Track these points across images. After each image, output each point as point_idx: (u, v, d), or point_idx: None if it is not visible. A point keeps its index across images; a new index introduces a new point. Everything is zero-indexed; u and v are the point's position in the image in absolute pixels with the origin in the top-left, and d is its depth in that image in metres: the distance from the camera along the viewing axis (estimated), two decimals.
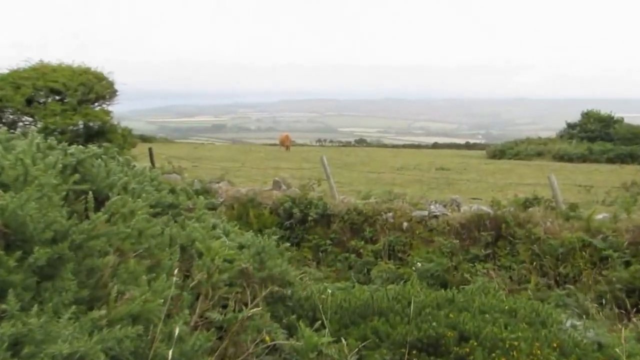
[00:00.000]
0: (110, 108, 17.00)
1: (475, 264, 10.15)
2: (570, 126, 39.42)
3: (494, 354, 4.07)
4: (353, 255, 11.23)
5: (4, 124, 14.22)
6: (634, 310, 8.19)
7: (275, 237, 4.57)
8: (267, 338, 3.67)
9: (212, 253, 3.72)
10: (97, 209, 3.14)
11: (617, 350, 4.32)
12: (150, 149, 16.13)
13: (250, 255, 4.19)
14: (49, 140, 4.07)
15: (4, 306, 2.40)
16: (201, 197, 5.26)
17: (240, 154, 32.83)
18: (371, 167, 23.40)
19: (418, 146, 65.48)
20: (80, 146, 4.14)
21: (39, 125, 14.83)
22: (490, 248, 10.55)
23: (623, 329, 5.10)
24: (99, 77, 16.79)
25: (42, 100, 15.69)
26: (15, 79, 15.43)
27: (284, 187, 13.71)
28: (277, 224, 12.28)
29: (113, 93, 17.09)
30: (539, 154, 34.27)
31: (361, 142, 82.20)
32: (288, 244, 5.18)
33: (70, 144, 4.20)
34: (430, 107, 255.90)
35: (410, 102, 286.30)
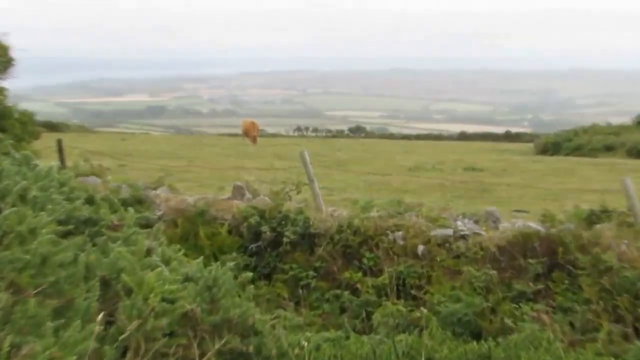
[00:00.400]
0: (4, 84, 16.85)
1: (521, 304, 10.17)
2: None
3: None
4: (347, 293, 11.22)
5: None
6: None
7: (231, 265, 4.56)
8: None
9: (145, 289, 3.70)
10: None
11: None
12: (59, 142, 16.04)
13: (196, 292, 4.18)
14: None
15: None
16: (131, 210, 5.24)
17: (187, 149, 32.71)
18: (372, 167, 23.40)
19: (438, 137, 65.79)
20: None
21: None
22: (542, 282, 10.58)
23: None
24: None
25: None
26: None
27: (248, 195, 13.70)
28: (239, 247, 12.27)
29: (8, 63, 16.93)
30: (609, 148, 34.49)
31: (358, 131, 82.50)
32: (251, 274, 5.15)
33: None
34: (455, 81, 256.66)
35: (428, 74, 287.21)
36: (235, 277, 4.59)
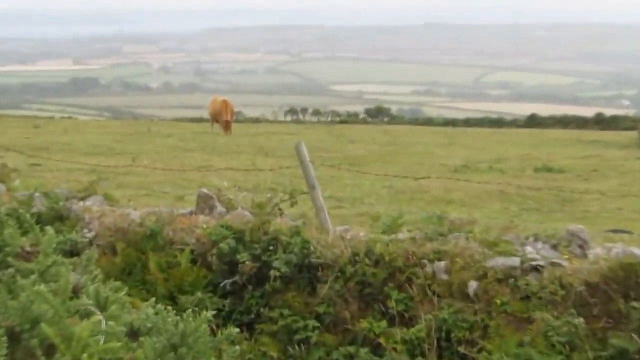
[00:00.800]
0: None
1: None
2: None
3: None
4: (365, 351, 11.24)
5: None
6: None
7: (209, 314, 4.56)
8: None
9: (75, 347, 3.70)
10: None
11: None
12: None
13: (155, 353, 4.17)
14: None
15: None
16: (49, 230, 5.23)
17: (130, 140, 32.71)
18: (400, 166, 23.45)
19: (497, 122, 65.80)
20: None
21: None
22: None
23: None
24: None
25: None
26: None
27: (220, 208, 13.70)
28: (207, 284, 12.26)
29: None
30: None
31: (379, 113, 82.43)
32: (236, 330, 5.16)
33: None
34: (520, 42, 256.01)
35: (480, 31, 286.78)
36: (214, 333, 4.58)
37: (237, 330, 5.22)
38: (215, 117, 39.32)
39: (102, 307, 4.54)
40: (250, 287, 12.21)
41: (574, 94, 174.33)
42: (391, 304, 11.61)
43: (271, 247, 12.26)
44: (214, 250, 12.43)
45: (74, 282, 4.67)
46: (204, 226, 12.93)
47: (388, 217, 13.30)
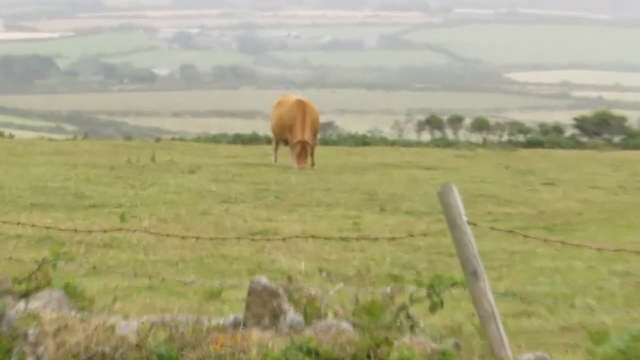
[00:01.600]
0: None
1: None
2: None
3: None
4: None
5: None
6: None
7: None
8: None
9: None
10: None
11: None
12: None
13: None
14: None
15: None
16: None
17: (117, 177, 33.05)
18: None
19: None
20: None
21: None
22: None
23: None
24: None
25: None
26: None
27: (292, 314, 13.70)
28: None
29: None
30: None
31: (604, 126, 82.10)
32: None
33: None
34: None
35: None
36: None
37: None
38: (282, 134, 39.33)
39: None
40: None
41: None
42: None
43: None
44: None
45: None
46: (264, 351, 12.89)
47: (624, 334, 13.21)
